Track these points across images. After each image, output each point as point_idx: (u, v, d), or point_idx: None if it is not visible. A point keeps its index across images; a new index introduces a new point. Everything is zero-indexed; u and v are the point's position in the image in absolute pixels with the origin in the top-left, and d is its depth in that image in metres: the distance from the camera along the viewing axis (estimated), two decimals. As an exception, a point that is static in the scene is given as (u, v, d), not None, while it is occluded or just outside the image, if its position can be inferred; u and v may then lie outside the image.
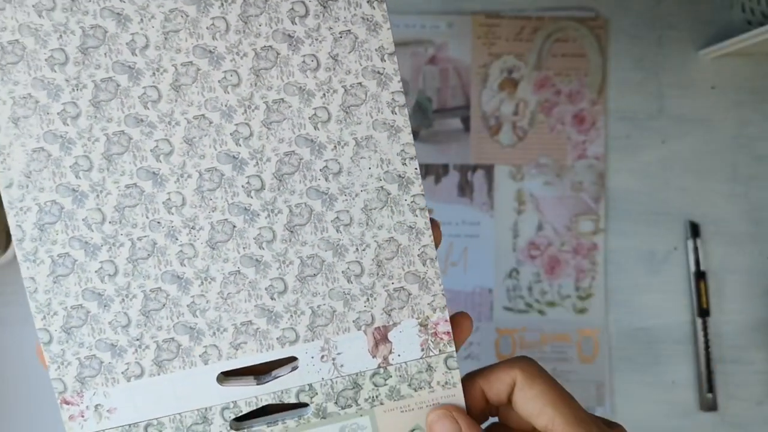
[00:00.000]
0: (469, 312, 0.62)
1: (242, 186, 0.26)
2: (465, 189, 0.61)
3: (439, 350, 0.27)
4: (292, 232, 0.26)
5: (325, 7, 0.25)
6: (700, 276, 0.60)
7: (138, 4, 0.25)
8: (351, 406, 0.26)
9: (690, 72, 0.62)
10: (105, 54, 0.25)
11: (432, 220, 0.27)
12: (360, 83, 0.26)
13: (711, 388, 0.60)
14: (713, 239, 0.61)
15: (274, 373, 0.26)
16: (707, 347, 0.60)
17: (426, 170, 0.61)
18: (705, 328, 0.60)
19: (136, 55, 0.25)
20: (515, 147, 0.61)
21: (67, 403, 0.25)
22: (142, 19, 0.25)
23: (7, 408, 0.58)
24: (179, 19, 0.25)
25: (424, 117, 0.61)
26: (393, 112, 0.26)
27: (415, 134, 0.61)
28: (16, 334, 0.58)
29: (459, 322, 0.27)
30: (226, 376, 0.26)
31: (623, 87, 0.61)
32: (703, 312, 0.60)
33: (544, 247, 0.61)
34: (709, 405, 0.60)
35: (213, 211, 0.25)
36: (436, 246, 0.27)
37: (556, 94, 0.61)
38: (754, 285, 0.61)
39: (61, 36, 0.24)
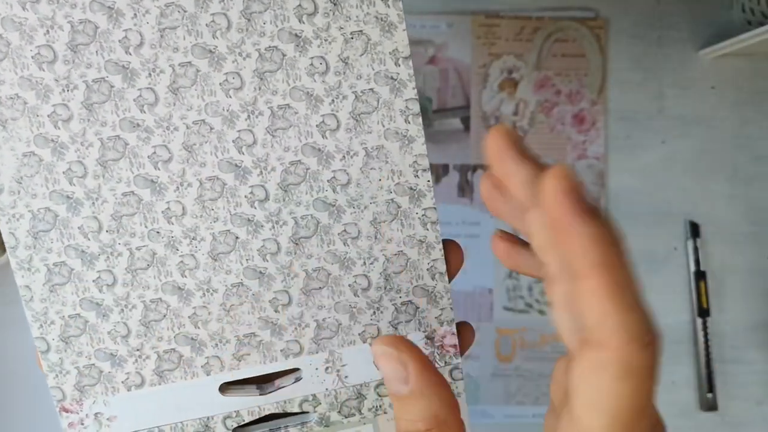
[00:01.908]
0: (469, 312, 0.61)
1: (245, 196, 0.24)
2: (465, 189, 0.61)
3: (445, 362, 0.26)
4: (297, 244, 0.25)
5: (335, 5, 0.24)
6: (700, 276, 0.60)
7: None
8: (354, 415, 0.26)
9: (690, 72, 0.62)
10: (96, 52, 0.23)
11: (453, 243, 0.26)
12: (372, 89, 0.24)
13: (711, 388, 0.60)
14: (713, 239, 0.61)
15: (277, 383, 0.26)
16: (707, 347, 0.60)
17: (426, 170, 0.61)
18: (705, 328, 0.60)
19: (131, 54, 0.23)
20: (515, 147, 0.61)
21: (66, 411, 0.25)
22: (135, 14, 0.23)
23: (7, 408, 0.58)
24: (176, 14, 0.23)
25: (424, 117, 0.61)
26: (406, 120, 0.25)
27: (415, 134, 0.61)
28: (16, 334, 0.58)
29: (461, 332, 0.27)
30: (229, 386, 0.25)
31: (623, 87, 0.61)
32: (703, 312, 0.60)
33: (544, 247, 0.61)
34: (709, 405, 0.60)
35: (215, 222, 0.24)
36: (458, 269, 0.26)
37: (556, 94, 0.61)
38: (754, 285, 0.61)
39: (48, 31, 0.23)
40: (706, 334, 0.60)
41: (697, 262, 0.61)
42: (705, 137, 0.62)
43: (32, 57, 0.23)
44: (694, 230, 0.61)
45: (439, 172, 0.61)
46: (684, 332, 0.61)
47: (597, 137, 0.61)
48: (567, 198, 0.17)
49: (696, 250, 0.61)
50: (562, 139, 0.61)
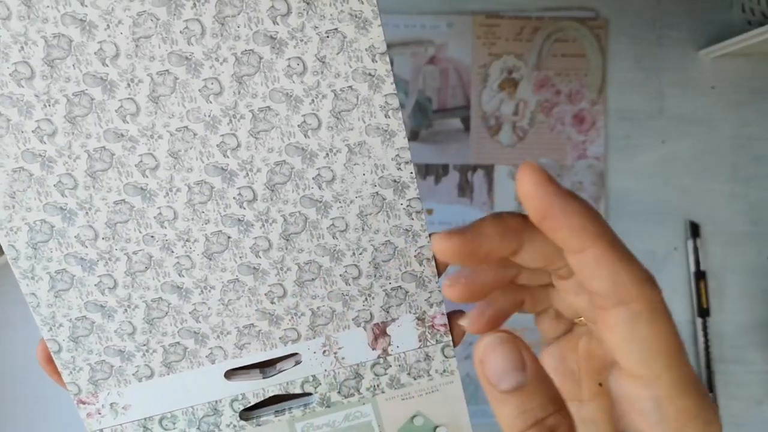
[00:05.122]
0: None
1: (234, 198, 0.25)
2: (465, 189, 0.61)
3: (436, 340, 0.27)
4: (287, 240, 0.26)
5: (308, 4, 0.23)
6: (700, 276, 0.60)
7: (102, 9, 0.23)
8: (353, 395, 0.27)
9: (690, 72, 0.62)
10: (73, 65, 0.23)
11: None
12: (350, 87, 0.24)
13: (711, 388, 0.60)
14: (713, 239, 0.61)
15: (278, 366, 0.27)
16: (707, 347, 0.60)
17: (426, 170, 0.61)
18: (705, 328, 0.60)
19: (107, 66, 0.23)
20: (515, 147, 0.61)
21: (83, 402, 0.26)
22: (108, 26, 0.23)
23: (7, 408, 0.58)
24: (149, 23, 0.23)
25: (424, 117, 0.61)
26: (386, 116, 0.25)
27: (415, 134, 0.61)
28: (16, 334, 0.58)
29: (457, 318, 0.27)
30: (234, 371, 0.27)
31: (623, 87, 0.61)
32: (703, 312, 0.60)
33: (544, 247, 0.61)
34: (709, 405, 0.60)
35: (206, 224, 0.25)
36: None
37: (556, 94, 0.61)
38: (754, 285, 0.61)
39: (22, 48, 0.23)
40: (705, 334, 0.60)
41: (697, 262, 0.61)
42: (705, 137, 0.62)
43: (10, 74, 0.23)
44: (694, 230, 0.61)
45: (439, 172, 0.61)
46: (684, 332, 0.61)
47: (597, 137, 0.61)
48: (548, 186, 0.18)
49: (696, 250, 0.61)
50: (562, 139, 0.61)
